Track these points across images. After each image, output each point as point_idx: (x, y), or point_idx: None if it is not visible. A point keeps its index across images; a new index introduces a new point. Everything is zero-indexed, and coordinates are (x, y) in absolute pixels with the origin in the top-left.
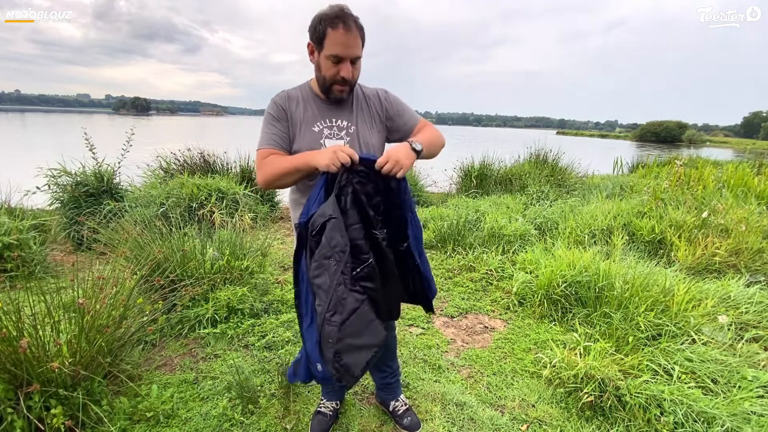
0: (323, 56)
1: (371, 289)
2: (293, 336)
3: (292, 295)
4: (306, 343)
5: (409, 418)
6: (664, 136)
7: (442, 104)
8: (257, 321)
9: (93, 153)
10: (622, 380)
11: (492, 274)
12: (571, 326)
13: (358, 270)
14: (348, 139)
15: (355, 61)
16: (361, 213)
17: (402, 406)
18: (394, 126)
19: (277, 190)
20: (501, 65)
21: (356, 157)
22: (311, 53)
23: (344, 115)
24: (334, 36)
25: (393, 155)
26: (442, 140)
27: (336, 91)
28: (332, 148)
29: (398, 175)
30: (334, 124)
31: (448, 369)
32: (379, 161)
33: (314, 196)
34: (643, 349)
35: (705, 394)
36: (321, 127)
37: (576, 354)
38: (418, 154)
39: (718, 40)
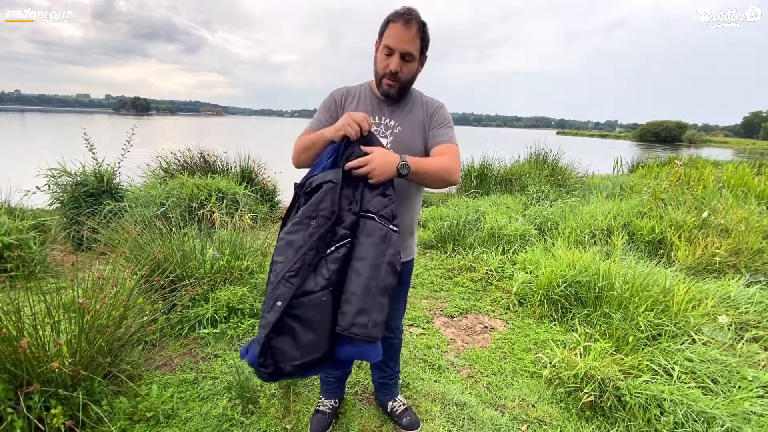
0: (379, 48)
1: (335, 282)
2: None
3: None
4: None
5: (408, 417)
6: (664, 136)
7: None
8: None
9: (93, 153)
10: (622, 380)
11: (492, 274)
12: (571, 326)
13: (333, 249)
14: (391, 138)
15: (408, 58)
16: (353, 195)
17: (400, 406)
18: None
19: (278, 189)
20: (501, 65)
21: (365, 125)
22: (376, 49)
23: (395, 115)
24: (393, 28)
25: (373, 160)
26: (449, 177)
27: (385, 85)
28: (347, 115)
29: (368, 177)
30: (381, 122)
31: (448, 369)
32: (350, 163)
33: (322, 161)
34: (643, 349)
35: (705, 394)
36: None
37: (576, 354)
38: (399, 172)
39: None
